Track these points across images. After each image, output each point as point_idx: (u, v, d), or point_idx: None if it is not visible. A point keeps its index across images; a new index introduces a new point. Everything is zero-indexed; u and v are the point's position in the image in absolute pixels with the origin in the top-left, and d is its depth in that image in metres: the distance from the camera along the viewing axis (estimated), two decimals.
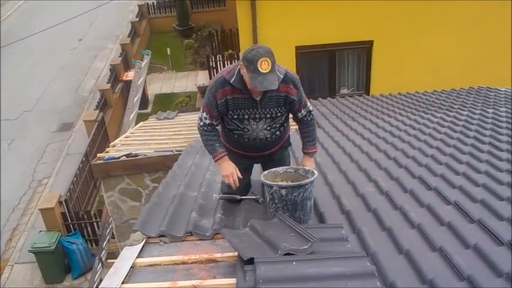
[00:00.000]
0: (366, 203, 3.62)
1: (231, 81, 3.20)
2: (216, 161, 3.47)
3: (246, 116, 3.33)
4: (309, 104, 3.44)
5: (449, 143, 5.03)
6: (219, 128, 3.51)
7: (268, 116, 3.34)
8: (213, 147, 3.42)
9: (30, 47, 18.61)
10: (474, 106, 6.92)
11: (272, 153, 3.63)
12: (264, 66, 2.95)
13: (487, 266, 2.53)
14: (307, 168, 3.33)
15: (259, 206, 3.66)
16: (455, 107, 6.97)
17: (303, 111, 3.42)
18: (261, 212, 3.56)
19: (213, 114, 3.34)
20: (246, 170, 3.71)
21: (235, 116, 3.34)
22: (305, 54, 10.31)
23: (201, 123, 3.41)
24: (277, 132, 3.48)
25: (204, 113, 3.36)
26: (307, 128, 3.53)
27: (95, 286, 7.98)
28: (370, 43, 10.23)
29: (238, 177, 3.43)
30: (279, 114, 3.36)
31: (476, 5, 9.61)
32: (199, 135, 3.55)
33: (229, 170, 3.40)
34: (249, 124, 3.37)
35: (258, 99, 3.24)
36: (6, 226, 11.03)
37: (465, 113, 6.45)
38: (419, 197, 3.60)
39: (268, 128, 3.41)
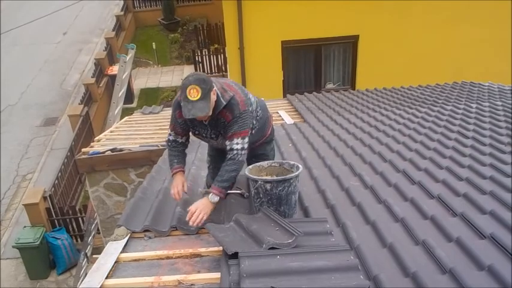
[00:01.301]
0: (350, 197, 3.64)
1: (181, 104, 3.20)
2: (172, 175, 3.55)
3: (204, 134, 3.42)
4: (237, 142, 3.18)
5: (433, 138, 5.08)
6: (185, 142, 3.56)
7: (221, 135, 3.35)
8: (171, 163, 3.53)
9: (14, 40, 18.38)
10: (458, 101, 6.99)
11: (253, 148, 3.61)
12: (192, 93, 2.96)
13: (469, 259, 2.57)
14: (291, 162, 3.33)
15: (244, 201, 3.66)
16: (440, 102, 7.03)
17: (227, 143, 3.22)
18: (246, 206, 3.56)
19: (177, 131, 3.44)
20: None
21: (196, 132, 3.45)
22: (291, 49, 10.33)
23: (167, 139, 3.55)
24: None
25: (169, 130, 3.50)
26: (225, 164, 3.24)
27: (80, 282, 7.93)
28: (355, 38, 10.28)
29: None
30: None
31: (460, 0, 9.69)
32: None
33: (174, 184, 3.45)
34: (210, 140, 3.50)
35: (206, 122, 3.28)
36: None
37: (449, 107, 6.51)
38: (403, 191, 3.63)
39: None
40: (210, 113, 3.11)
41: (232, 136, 3.20)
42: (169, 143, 3.52)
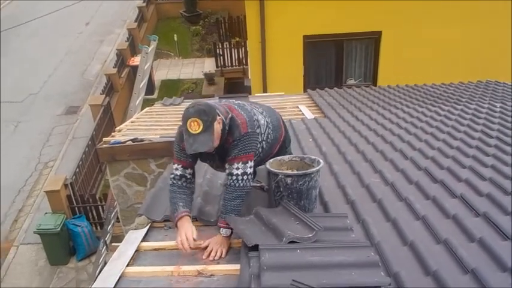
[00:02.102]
0: (371, 193, 3.62)
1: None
2: (175, 223, 2.99)
3: (212, 165, 3.26)
4: (237, 166, 2.93)
5: (456, 136, 5.02)
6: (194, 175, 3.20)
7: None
8: (175, 205, 3.04)
9: (36, 31, 18.61)
10: (482, 100, 6.89)
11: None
12: (193, 127, 2.75)
13: (492, 260, 2.54)
14: (313, 157, 3.32)
15: (264, 194, 3.67)
16: (463, 100, 6.94)
17: (227, 167, 2.97)
18: (265, 199, 3.57)
19: (184, 163, 3.09)
20: None
21: (204, 161, 3.24)
22: (313, 44, 10.28)
23: (172, 176, 3.13)
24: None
25: (175, 165, 3.13)
26: (225, 192, 3.01)
27: (99, 269, 8.04)
28: (378, 34, 10.18)
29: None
30: None
31: None
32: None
33: (182, 230, 2.88)
34: (218, 169, 3.29)
35: (214, 152, 3.00)
36: (12, 208, 11.13)
37: (473, 106, 6.42)
38: (424, 189, 3.59)
39: None
40: (216, 145, 2.88)
41: (232, 160, 2.94)
42: (175, 181, 3.11)
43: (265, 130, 3.21)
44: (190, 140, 2.77)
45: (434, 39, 9.97)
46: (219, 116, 2.87)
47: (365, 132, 5.48)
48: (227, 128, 2.92)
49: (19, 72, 16.81)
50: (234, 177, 2.93)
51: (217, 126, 2.84)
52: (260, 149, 3.16)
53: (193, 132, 2.76)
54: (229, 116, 2.95)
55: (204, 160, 3.20)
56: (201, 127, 2.75)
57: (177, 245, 2.82)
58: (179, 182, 3.09)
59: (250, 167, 2.97)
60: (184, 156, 3.04)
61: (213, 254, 2.80)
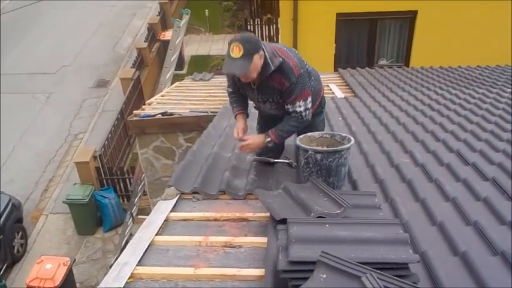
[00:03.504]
0: (400, 173, 3.58)
1: None
2: (234, 117, 3.67)
3: (251, 97, 3.47)
4: (299, 105, 3.25)
5: (491, 120, 4.91)
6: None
7: (271, 100, 3.36)
8: (232, 108, 3.64)
9: (69, 3, 18.77)
10: None
11: None
12: (235, 51, 2.95)
13: None
14: (343, 134, 3.30)
15: (292, 170, 3.66)
16: (499, 84, 6.77)
17: (289, 107, 3.29)
18: (294, 175, 3.57)
19: (232, 86, 3.54)
20: None
21: (245, 94, 3.50)
22: (345, 22, 10.12)
23: (227, 90, 3.67)
24: None
25: (228, 82, 3.62)
26: (287, 120, 3.35)
27: (125, 240, 8.21)
28: (413, 13, 9.96)
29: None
30: (280, 100, 3.33)
31: None
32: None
33: (240, 126, 3.53)
34: (257, 103, 3.51)
35: (254, 86, 3.29)
36: (42, 177, 11.39)
37: (509, 90, 6.26)
38: (455, 171, 3.54)
39: (278, 108, 3.41)
40: (253, 77, 3.12)
41: (294, 101, 3.24)
42: (229, 94, 3.62)
43: (311, 72, 3.43)
44: (229, 62, 3.01)
45: (470, 20, 9.70)
46: (263, 52, 3.06)
47: (396, 112, 5.41)
48: (279, 70, 3.12)
49: (53, 44, 17.03)
50: (298, 114, 3.29)
51: (258, 61, 3.04)
52: (310, 85, 3.37)
53: (233, 56, 2.96)
54: (280, 59, 3.13)
55: (244, 91, 3.47)
56: (242, 53, 2.94)
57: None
58: (232, 94, 3.59)
59: (309, 102, 3.31)
60: (232, 83, 3.49)
61: (245, 148, 3.43)
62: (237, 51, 2.95)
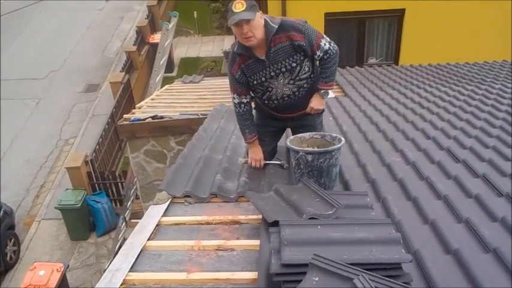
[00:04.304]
0: (391, 172, 3.59)
1: (235, 50, 3.29)
2: (247, 143, 3.68)
3: (263, 78, 3.35)
4: (324, 43, 3.27)
5: (480, 116, 4.94)
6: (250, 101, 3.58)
7: (284, 69, 3.29)
8: (243, 131, 3.61)
9: (57, 7, 18.66)
10: (507, 80, 6.75)
11: (304, 116, 3.56)
12: (238, 6, 3.00)
13: None
14: (334, 134, 3.30)
15: (284, 171, 3.67)
16: (488, 80, 6.81)
17: (318, 52, 3.29)
18: (286, 177, 3.57)
19: (238, 91, 3.44)
20: (275, 134, 3.76)
21: (255, 82, 3.38)
22: (334, 21, 10.12)
23: (233, 106, 3.57)
24: (305, 85, 3.42)
25: (232, 94, 3.51)
26: (324, 65, 3.36)
27: (118, 244, 8.16)
28: (401, 12, 9.98)
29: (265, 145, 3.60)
30: (293, 64, 3.28)
31: None
32: (225, 101, 3.66)
33: (258, 156, 3.63)
34: (270, 84, 3.38)
35: (263, 58, 3.24)
36: (34, 183, 11.30)
37: (497, 86, 6.31)
38: (446, 168, 3.56)
39: (292, 82, 3.36)
40: (259, 35, 3.11)
41: (318, 43, 3.24)
42: (236, 108, 3.54)
43: None
44: (234, 16, 3.01)
45: (458, 18, 9.73)
46: (261, 12, 3.12)
47: (386, 111, 5.42)
48: (283, 28, 3.15)
49: (40, 49, 16.93)
50: (330, 51, 3.29)
51: (259, 18, 3.09)
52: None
53: (237, 11, 3.00)
54: (279, 19, 3.20)
55: (254, 79, 3.37)
56: (245, 6, 2.99)
57: (251, 162, 3.64)
58: (240, 109, 3.51)
59: (329, 39, 3.32)
60: (238, 85, 3.41)
61: (314, 108, 3.42)
62: (240, 6, 2.99)
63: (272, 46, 3.19)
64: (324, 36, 3.30)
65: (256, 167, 3.62)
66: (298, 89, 3.39)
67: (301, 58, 3.28)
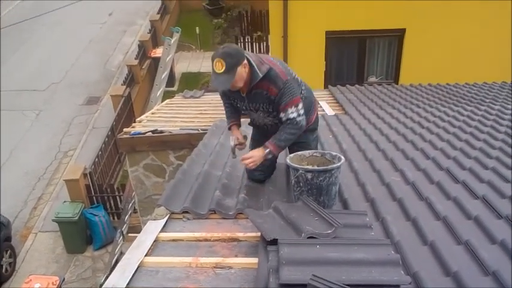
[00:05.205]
0: (391, 192, 3.58)
1: None
2: (228, 128, 3.80)
3: (244, 108, 3.50)
4: (292, 111, 3.24)
5: (479, 137, 4.95)
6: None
7: (261, 109, 3.40)
8: (226, 117, 3.78)
9: (60, 20, 18.77)
10: (506, 101, 6.77)
11: None
12: (217, 66, 3.06)
13: None
14: (333, 153, 3.30)
15: (283, 189, 3.66)
16: (487, 101, 6.83)
17: (282, 115, 3.29)
18: (285, 194, 3.56)
19: (224, 99, 3.69)
20: None
21: (237, 105, 3.54)
22: (335, 40, 10.20)
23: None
24: None
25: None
26: (283, 128, 3.33)
27: (115, 258, 8.12)
28: (402, 31, 10.06)
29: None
30: (270, 109, 3.38)
31: None
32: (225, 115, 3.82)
33: (232, 137, 3.69)
34: (249, 113, 3.54)
35: (244, 95, 3.36)
36: (32, 195, 11.27)
37: (496, 107, 6.32)
38: (446, 189, 3.55)
39: (272, 116, 3.45)
40: (240, 86, 3.19)
41: (285, 107, 3.25)
42: (223, 103, 3.72)
43: (301, 83, 3.48)
44: (213, 78, 3.14)
45: (458, 39, 9.81)
46: (246, 60, 3.14)
47: (386, 130, 5.43)
48: (266, 78, 3.18)
49: (42, 61, 16.99)
50: (293, 120, 3.27)
51: (242, 70, 3.12)
52: (300, 93, 3.40)
53: (217, 71, 3.07)
54: (267, 66, 3.20)
55: (235, 101, 3.53)
56: (224, 68, 3.04)
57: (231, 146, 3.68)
58: (226, 104, 3.67)
59: (301, 108, 3.29)
60: (224, 96, 3.61)
61: (246, 161, 3.35)
62: (220, 67, 3.04)
63: (253, 89, 3.27)
64: (299, 106, 3.27)
65: (231, 144, 3.68)
66: (280, 119, 3.40)
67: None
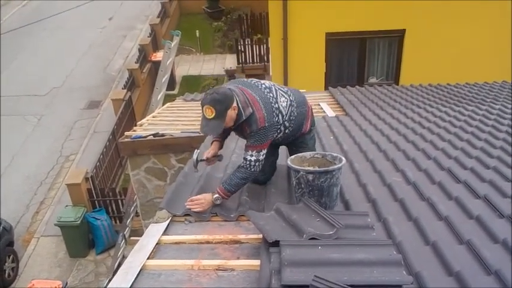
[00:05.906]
0: (392, 192, 3.58)
1: None
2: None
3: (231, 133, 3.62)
4: (250, 154, 3.27)
5: (481, 137, 4.94)
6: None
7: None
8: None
9: (61, 25, 18.81)
10: (507, 100, 6.76)
11: (293, 139, 3.64)
12: (207, 112, 3.09)
13: None
14: (334, 154, 3.31)
15: (285, 191, 3.66)
16: (488, 100, 6.82)
17: (244, 152, 3.35)
18: (286, 196, 3.56)
19: None
20: (269, 149, 3.75)
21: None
22: (335, 41, 10.21)
23: None
24: (278, 137, 3.51)
25: None
26: (236, 170, 3.36)
27: (118, 262, 8.12)
28: (402, 32, 10.07)
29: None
30: None
31: None
32: None
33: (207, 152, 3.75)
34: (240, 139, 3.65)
35: (232, 128, 3.41)
36: (34, 199, 11.29)
37: (497, 107, 6.32)
38: (447, 189, 3.55)
39: None
40: (229, 125, 3.24)
41: (248, 147, 3.30)
42: None
43: (288, 110, 3.42)
44: (204, 123, 3.16)
45: (458, 39, 9.82)
46: (235, 103, 3.15)
47: (387, 131, 5.43)
48: (245, 119, 3.21)
49: (43, 66, 17.03)
50: (247, 162, 3.28)
51: (231, 113, 3.16)
52: (281, 129, 3.42)
53: (207, 117, 3.11)
54: (250, 110, 3.20)
55: (224, 131, 3.53)
56: (214, 114, 3.08)
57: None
58: None
59: (263, 155, 3.31)
60: None
61: (191, 204, 3.27)
62: (209, 113, 3.08)
63: (238, 126, 3.31)
64: (261, 152, 3.28)
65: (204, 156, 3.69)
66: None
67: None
